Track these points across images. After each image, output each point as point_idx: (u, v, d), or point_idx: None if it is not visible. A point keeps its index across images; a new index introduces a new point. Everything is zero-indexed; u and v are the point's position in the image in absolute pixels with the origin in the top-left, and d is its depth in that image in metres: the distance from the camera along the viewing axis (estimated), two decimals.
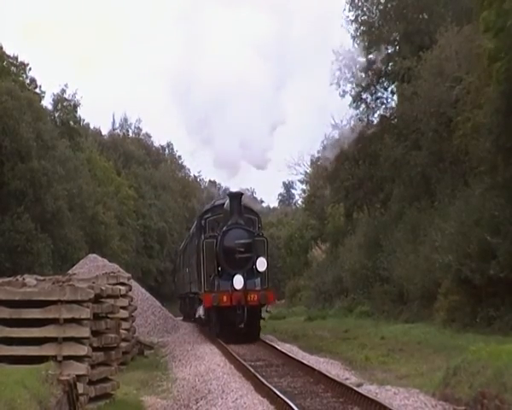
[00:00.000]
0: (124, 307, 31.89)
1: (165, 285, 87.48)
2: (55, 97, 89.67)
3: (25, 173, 67.14)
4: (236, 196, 39.16)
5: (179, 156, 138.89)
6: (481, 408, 19.32)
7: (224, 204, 41.57)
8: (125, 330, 32.14)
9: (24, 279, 24.48)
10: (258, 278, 37.86)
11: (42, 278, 26.28)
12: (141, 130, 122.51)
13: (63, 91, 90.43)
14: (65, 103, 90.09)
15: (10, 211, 66.23)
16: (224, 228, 38.60)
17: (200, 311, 42.69)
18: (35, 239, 67.20)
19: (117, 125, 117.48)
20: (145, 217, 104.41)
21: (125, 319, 31.98)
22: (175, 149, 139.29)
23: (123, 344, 29.38)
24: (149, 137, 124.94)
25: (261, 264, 36.93)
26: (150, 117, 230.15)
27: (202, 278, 39.52)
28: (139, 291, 46.61)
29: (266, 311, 38.12)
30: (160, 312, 53.62)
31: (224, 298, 35.90)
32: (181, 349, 39.54)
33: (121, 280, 33.60)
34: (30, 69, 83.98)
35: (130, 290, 35.51)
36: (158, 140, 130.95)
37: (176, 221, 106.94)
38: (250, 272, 37.89)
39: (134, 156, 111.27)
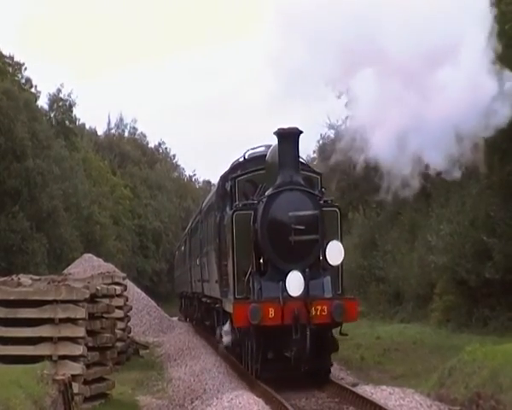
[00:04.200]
0: (119, 307, 32.01)
1: (160, 285, 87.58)
2: (50, 97, 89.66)
3: (20, 173, 67.32)
4: (291, 137, 22.83)
5: (173, 156, 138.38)
6: (476, 409, 19.37)
7: (264, 156, 25.43)
8: (121, 329, 32.26)
9: (19, 279, 24.59)
10: (329, 278, 21.96)
11: (37, 277, 26.44)
12: (136, 130, 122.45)
13: (59, 91, 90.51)
14: (60, 103, 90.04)
15: (5, 210, 66.32)
16: (270, 191, 22.56)
17: (227, 334, 26.36)
18: (30, 238, 67.31)
19: (112, 125, 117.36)
20: (141, 217, 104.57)
21: (120, 319, 32.13)
22: (169, 149, 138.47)
23: (118, 344, 29.54)
24: (145, 136, 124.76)
25: (336, 252, 21.63)
26: (145, 116, 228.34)
27: (230, 276, 23.77)
28: (134, 291, 46.64)
29: (340, 333, 22.25)
30: (155, 312, 53.71)
31: (271, 312, 20.56)
32: (176, 349, 39.56)
33: (116, 280, 33.75)
34: (25, 69, 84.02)
35: (126, 290, 35.61)
36: (153, 140, 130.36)
37: (171, 221, 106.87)
38: (315, 268, 21.71)
39: (129, 156, 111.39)
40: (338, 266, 22.77)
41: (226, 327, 26.46)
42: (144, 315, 47.38)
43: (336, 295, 22.24)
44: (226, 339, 26.75)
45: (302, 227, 21.79)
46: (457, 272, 39.44)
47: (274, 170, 23.32)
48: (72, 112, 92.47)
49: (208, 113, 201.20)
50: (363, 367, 25.26)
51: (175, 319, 58.41)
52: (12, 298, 21.78)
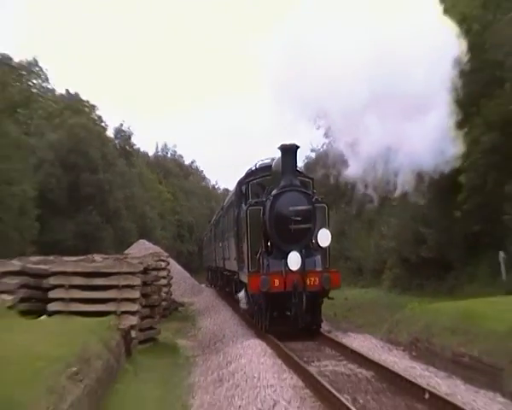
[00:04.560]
0: (163, 277, 32.06)
1: (192, 262, 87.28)
2: (115, 129, 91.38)
3: (94, 183, 67.84)
4: (290, 151, 22.87)
5: (202, 170, 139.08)
6: (415, 348, 19.29)
7: (270, 166, 25.69)
8: (165, 293, 32.26)
9: (94, 257, 24.63)
10: (319, 256, 22.12)
11: (106, 256, 26.41)
12: (176, 152, 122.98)
13: (121, 125, 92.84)
14: (122, 134, 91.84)
15: (83, 209, 66.84)
16: (275, 191, 22.57)
17: (242, 297, 26.09)
18: (101, 229, 67.84)
19: (159, 149, 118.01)
20: (179, 214, 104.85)
21: (164, 285, 32.14)
22: (198, 165, 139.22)
23: (163, 303, 29.47)
24: (181, 157, 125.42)
25: (324, 237, 21.83)
26: (183, 141, 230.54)
27: (245, 255, 23.69)
28: (174, 266, 46.43)
29: (328, 298, 22.50)
30: (188, 280, 54.01)
31: (276, 282, 20.97)
32: (204, 307, 39.57)
33: (162, 258, 33.71)
34: (97, 109, 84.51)
35: (168, 265, 35.59)
36: (188, 159, 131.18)
37: (200, 217, 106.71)
38: (309, 249, 22.04)
39: (171, 171, 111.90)
40: (326, 248, 22.48)
41: (241, 293, 25.97)
42: (181, 283, 47.33)
43: (325, 269, 22.02)
44: (242, 303, 26.05)
45: (299, 218, 21.73)
46: (402, 253, 39.74)
47: (278, 176, 23.15)
48: (130, 139, 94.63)
49: (229, 137, 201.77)
50: (335, 320, 25.08)
51: (203, 285, 58.31)
52: (89, 271, 21.78)
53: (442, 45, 20.99)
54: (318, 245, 22.05)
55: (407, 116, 21.69)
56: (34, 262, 23.46)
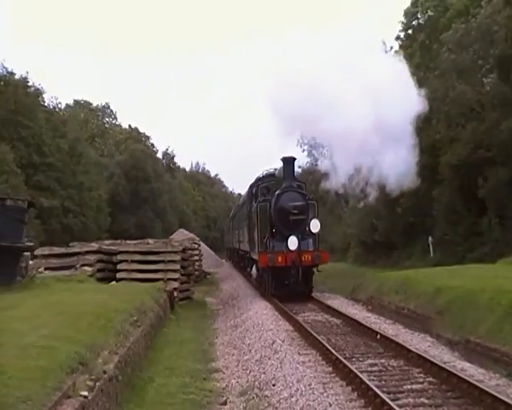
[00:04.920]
0: (196, 255, 32.06)
1: (216, 244, 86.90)
2: (163, 152, 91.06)
3: (148, 189, 67.81)
4: (290, 161, 22.60)
5: (223, 181, 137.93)
6: (370, 304, 19.29)
7: (273, 174, 25.73)
8: (197, 265, 32.26)
9: (148, 241, 24.62)
10: (311, 239, 21.64)
11: (156, 240, 26.44)
12: (205, 167, 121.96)
13: (167, 149, 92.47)
14: (168, 155, 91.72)
15: (141, 208, 66.73)
16: (278, 191, 22.11)
17: (254, 270, 25.65)
18: (153, 221, 67.56)
19: (193, 165, 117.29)
20: (207, 211, 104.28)
21: (196, 260, 32.12)
22: (221, 177, 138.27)
23: (196, 272, 29.51)
24: (209, 171, 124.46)
25: (315, 225, 21.34)
26: (208, 158, 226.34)
27: (256, 239, 23.09)
28: (203, 247, 46.25)
29: (317, 270, 21.89)
30: (213, 257, 53.74)
31: (279, 258, 20.64)
32: (224, 275, 39.50)
33: (195, 241, 33.70)
34: (151, 138, 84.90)
35: (199, 246, 35.58)
36: (213, 172, 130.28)
37: (221, 213, 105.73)
38: (303, 234, 21.46)
39: (201, 181, 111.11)
40: (316, 234, 21.39)
41: (253, 267, 25.22)
42: (208, 258, 47.03)
43: (315, 249, 21.20)
44: (253, 274, 25.51)
45: (296, 211, 21.09)
46: (361, 237, 39.65)
47: (280, 180, 22.50)
48: (173, 159, 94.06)
49: (245, 155, 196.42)
50: (315, 284, 25.07)
51: (223, 260, 58.10)
52: (144, 250, 21.81)
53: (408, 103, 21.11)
54: (311, 231, 21.22)
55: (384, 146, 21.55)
56: (107, 244, 23.57)
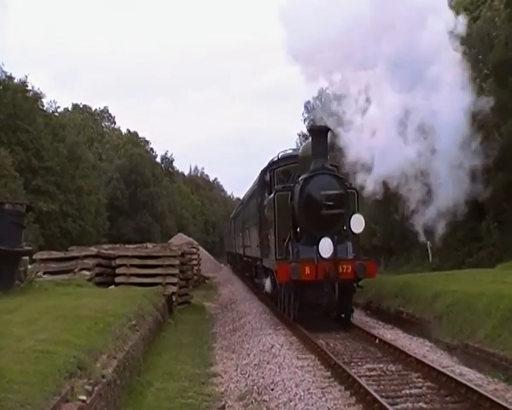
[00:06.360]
0: (195, 259, 32.00)
1: (215, 248, 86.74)
2: (162, 156, 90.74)
3: (147, 194, 68.07)
4: (322, 133, 15.90)
5: (222, 185, 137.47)
6: (369, 308, 19.27)
7: (293, 155, 18.83)
8: (196, 270, 32.22)
9: (146, 245, 24.65)
10: (350, 243, 15.34)
11: (155, 244, 26.44)
12: (204, 172, 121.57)
13: (166, 153, 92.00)
14: (166, 159, 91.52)
15: (140, 212, 66.90)
16: (305, 175, 15.57)
17: (267, 283, 18.80)
18: (152, 226, 67.78)
19: (192, 170, 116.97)
20: (206, 215, 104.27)
21: (195, 265, 32.08)
22: (220, 181, 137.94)
23: (194, 277, 29.47)
24: (208, 175, 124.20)
25: (358, 223, 15.15)
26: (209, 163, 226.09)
27: (272, 242, 16.66)
28: (202, 251, 46.22)
29: (358, 286, 15.62)
30: (212, 261, 53.60)
31: (307, 270, 14.34)
32: (223, 280, 39.50)
33: (193, 246, 33.60)
34: (150, 143, 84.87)
35: (198, 251, 35.52)
36: (212, 176, 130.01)
37: (220, 217, 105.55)
38: (341, 235, 15.24)
39: (200, 185, 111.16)
40: (358, 235, 15.62)
41: (267, 281, 18.87)
42: (207, 263, 46.89)
43: (357, 257, 15.19)
44: (267, 287, 18.95)
45: (332, 203, 14.79)
46: (363, 241, 39.48)
47: (305, 162, 16.02)
48: (172, 163, 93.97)
49: (244, 160, 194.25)
50: None
51: (222, 265, 57.94)
52: (143, 254, 21.73)
53: None
54: (351, 231, 15.26)
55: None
56: (106, 249, 23.50)
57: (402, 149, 18.50)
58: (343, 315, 15.71)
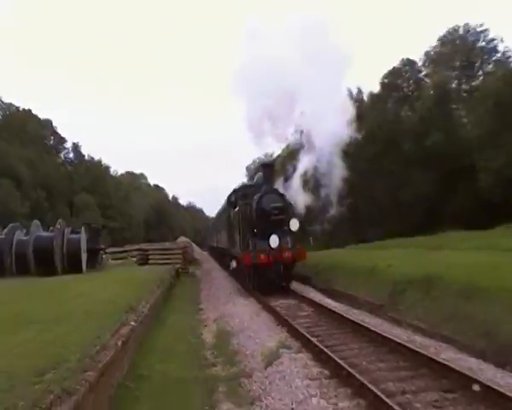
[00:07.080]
0: (189, 249, 30.82)
1: (200, 244, 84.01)
2: (172, 197, 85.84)
3: (164, 217, 66.04)
4: (269, 165, 13.87)
5: (202, 208, 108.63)
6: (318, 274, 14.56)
7: (250, 185, 15.85)
8: (190, 256, 31.15)
9: (165, 243, 24.00)
10: (289, 237, 12.48)
11: (170, 243, 25.74)
12: (195, 204, 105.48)
13: (173, 195, 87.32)
14: (175, 198, 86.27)
15: (162, 229, 64.33)
16: (259, 194, 12.93)
17: (233, 264, 15.07)
18: (168, 234, 65.56)
19: (188, 202, 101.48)
20: (195, 227, 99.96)
21: (189, 253, 31.04)
22: (201, 206, 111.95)
23: (189, 259, 28.55)
24: (196, 205, 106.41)
25: (294, 224, 12.49)
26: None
27: (237, 239, 13.82)
28: (194, 246, 44.58)
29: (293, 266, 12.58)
30: (199, 250, 50.80)
31: (262, 256, 11.93)
32: (205, 260, 38.45)
33: (189, 242, 32.86)
34: (165, 190, 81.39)
35: (191, 245, 34.67)
36: (186, 200, 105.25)
37: (202, 227, 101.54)
38: (283, 233, 12.44)
39: (192, 211, 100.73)
40: (294, 232, 12.71)
41: (233, 262, 15.54)
42: (196, 251, 45.05)
43: (294, 247, 12.56)
44: (232, 266, 15.39)
45: (277, 212, 12.62)
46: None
47: (258, 186, 13.59)
48: (177, 200, 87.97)
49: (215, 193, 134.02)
50: None
51: (205, 253, 55.90)
52: (163, 247, 21.33)
53: None
54: (290, 230, 12.72)
55: None
56: (143, 245, 22.95)
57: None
58: (284, 284, 13.82)
